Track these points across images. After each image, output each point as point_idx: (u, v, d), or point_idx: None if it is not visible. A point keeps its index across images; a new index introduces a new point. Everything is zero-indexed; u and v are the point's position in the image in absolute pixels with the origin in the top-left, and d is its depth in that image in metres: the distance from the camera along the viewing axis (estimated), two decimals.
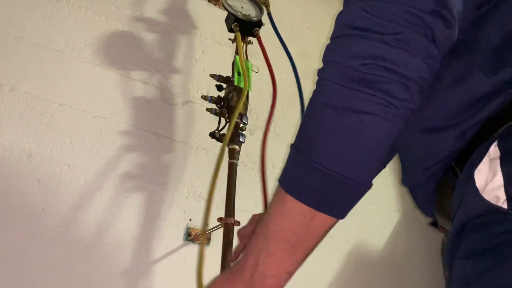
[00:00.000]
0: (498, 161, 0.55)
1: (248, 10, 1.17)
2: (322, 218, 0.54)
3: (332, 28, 0.58)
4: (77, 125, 1.13)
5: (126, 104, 1.20)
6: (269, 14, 1.23)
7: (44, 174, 1.06)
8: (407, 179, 0.75)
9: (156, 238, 1.12)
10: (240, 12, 1.15)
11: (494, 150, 0.56)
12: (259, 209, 1.29)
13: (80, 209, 1.07)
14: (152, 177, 1.17)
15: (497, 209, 0.52)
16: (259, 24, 1.17)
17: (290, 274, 0.57)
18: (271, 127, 1.41)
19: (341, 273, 1.34)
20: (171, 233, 1.14)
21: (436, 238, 1.57)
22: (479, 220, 0.54)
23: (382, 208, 1.50)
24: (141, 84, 1.25)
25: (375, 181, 0.66)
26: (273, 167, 1.36)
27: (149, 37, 1.31)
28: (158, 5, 1.37)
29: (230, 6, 1.15)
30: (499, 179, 0.54)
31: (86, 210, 1.07)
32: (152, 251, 1.11)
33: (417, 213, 1.58)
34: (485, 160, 0.56)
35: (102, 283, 1.04)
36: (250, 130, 1.36)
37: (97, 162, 1.12)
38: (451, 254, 0.57)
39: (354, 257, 1.38)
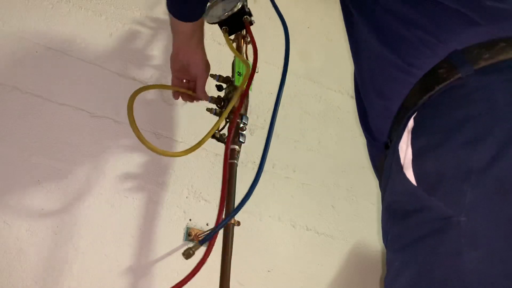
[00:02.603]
0: (411, 134, 0.56)
1: (228, 6, 1.12)
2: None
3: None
4: (77, 125, 1.13)
5: (126, 104, 1.20)
6: None
7: (44, 174, 1.06)
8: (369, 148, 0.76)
9: (156, 238, 1.12)
10: (219, 17, 1.11)
11: (411, 123, 0.57)
12: (259, 209, 1.29)
13: (80, 209, 1.07)
14: (152, 177, 1.17)
15: (414, 192, 0.52)
16: (244, 12, 1.11)
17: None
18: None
19: (341, 273, 1.34)
20: (171, 233, 1.14)
21: None
22: (400, 205, 0.54)
23: None
24: (141, 84, 1.25)
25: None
26: (273, 167, 1.36)
27: (149, 37, 1.31)
28: (158, 5, 1.37)
29: (210, 19, 1.12)
30: (409, 153, 0.54)
31: (86, 210, 1.07)
32: (152, 251, 1.11)
33: None
34: (405, 134, 0.57)
35: (102, 283, 1.04)
36: (250, 130, 1.36)
37: (97, 162, 1.12)
38: (384, 241, 0.58)
39: (354, 257, 1.38)
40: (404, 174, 0.54)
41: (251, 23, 1.14)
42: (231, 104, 1.05)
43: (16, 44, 1.14)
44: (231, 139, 1.04)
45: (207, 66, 1.01)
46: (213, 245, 0.93)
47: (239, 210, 0.93)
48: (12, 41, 1.14)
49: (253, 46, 1.11)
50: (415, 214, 0.52)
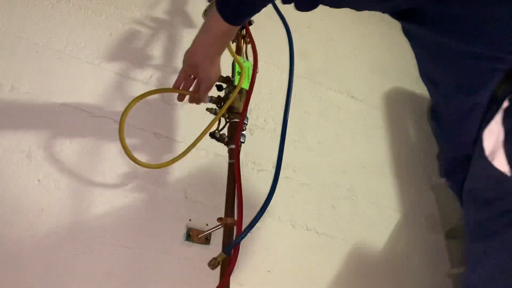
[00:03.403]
0: (504, 113, 0.54)
1: None
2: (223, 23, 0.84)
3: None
4: (77, 125, 1.13)
5: (126, 104, 1.20)
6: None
7: (44, 174, 1.06)
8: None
9: (156, 238, 1.12)
10: None
11: (505, 103, 0.55)
12: (259, 208, 1.29)
13: (80, 209, 1.07)
14: (152, 177, 1.17)
15: (497, 177, 0.51)
16: None
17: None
18: (271, 128, 1.42)
19: (341, 273, 1.34)
20: (171, 233, 1.14)
21: (436, 238, 1.57)
22: (481, 192, 0.53)
23: (382, 208, 1.50)
24: (141, 84, 1.25)
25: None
26: (273, 167, 1.36)
27: (149, 37, 1.31)
28: (158, 5, 1.37)
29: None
30: (502, 134, 0.53)
31: (86, 210, 1.07)
32: (152, 251, 1.11)
33: (417, 213, 1.58)
34: (498, 115, 0.55)
35: (102, 283, 1.04)
36: (250, 130, 1.36)
37: (97, 162, 1.12)
38: (465, 228, 0.58)
39: (354, 257, 1.38)
40: (485, 159, 0.53)
41: (250, 23, 1.14)
42: (226, 105, 1.05)
43: (16, 44, 1.14)
44: (239, 142, 1.03)
45: (216, 76, 1.00)
46: (238, 251, 0.91)
47: (262, 215, 0.91)
48: (12, 41, 1.14)
49: (253, 47, 1.12)
50: (497, 202, 0.51)
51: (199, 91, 1.02)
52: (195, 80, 1.04)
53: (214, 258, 0.88)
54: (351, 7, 0.74)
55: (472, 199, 0.56)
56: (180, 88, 1.03)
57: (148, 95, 1.02)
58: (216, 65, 0.96)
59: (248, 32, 1.13)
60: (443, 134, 0.72)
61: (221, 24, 0.84)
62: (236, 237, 0.92)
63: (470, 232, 0.56)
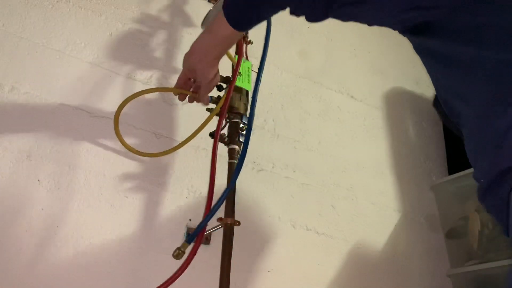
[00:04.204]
0: None
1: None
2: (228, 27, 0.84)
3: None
4: (77, 125, 1.13)
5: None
6: None
7: (44, 174, 1.06)
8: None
9: (156, 238, 1.12)
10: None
11: None
12: (259, 209, 1.29)
13: (80, 209, 1.07)
14: (152, 177, 1.17)
15: None
16: None
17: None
18: (272, 127, 1.42)
19: (341, 273, 1.34)
20: (171, 233, 1.14)
21: (436, 238, 1.57)
22: None
23: (382, 208, 1.50)
24: (141, 84, 1.25)
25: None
26: (273, 167, 1.36)
27: (149, 37, 1.32)
28: (158, 5, 1.37)
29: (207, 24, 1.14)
30: None
31: (86, 210, 1.07)
32: (152, 251, 1.11)
33: (417, 213, 1.58)
34: None
35: (102, 283, 1.04)
36: None
37: (97, 162, 1.12)
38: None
39: (354, 257, 1.38)
40: None
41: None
42: (221, 102, 1.06)
43: (16, 44, 1.14)
44: (219, 132, 1.04)
45: (215, 79, 0.99)
46: (199, 241, 0.92)
47: (220, 205, 0.94)
48: (12, 41, 1.14)
49: (240, 46, 1.13)
50: None
51: (198, 92, 1.02)
52: (195, 83, 1.04)
53: (178, 248, 0.91)
54: (362, 22, 0.73)
55: None
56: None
57: (145, 93, 1.01)
58: (214, 68, 0.95)
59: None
60: (481, 151, 0.70)
61: (225, 28, 0.83)
62: (198, 225, 0.93)
63: None
